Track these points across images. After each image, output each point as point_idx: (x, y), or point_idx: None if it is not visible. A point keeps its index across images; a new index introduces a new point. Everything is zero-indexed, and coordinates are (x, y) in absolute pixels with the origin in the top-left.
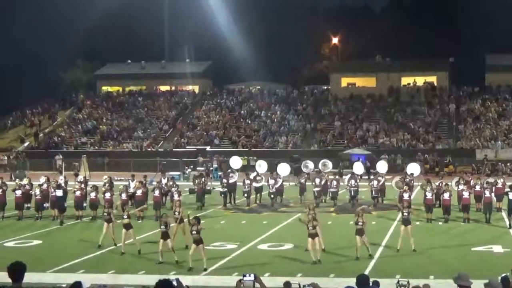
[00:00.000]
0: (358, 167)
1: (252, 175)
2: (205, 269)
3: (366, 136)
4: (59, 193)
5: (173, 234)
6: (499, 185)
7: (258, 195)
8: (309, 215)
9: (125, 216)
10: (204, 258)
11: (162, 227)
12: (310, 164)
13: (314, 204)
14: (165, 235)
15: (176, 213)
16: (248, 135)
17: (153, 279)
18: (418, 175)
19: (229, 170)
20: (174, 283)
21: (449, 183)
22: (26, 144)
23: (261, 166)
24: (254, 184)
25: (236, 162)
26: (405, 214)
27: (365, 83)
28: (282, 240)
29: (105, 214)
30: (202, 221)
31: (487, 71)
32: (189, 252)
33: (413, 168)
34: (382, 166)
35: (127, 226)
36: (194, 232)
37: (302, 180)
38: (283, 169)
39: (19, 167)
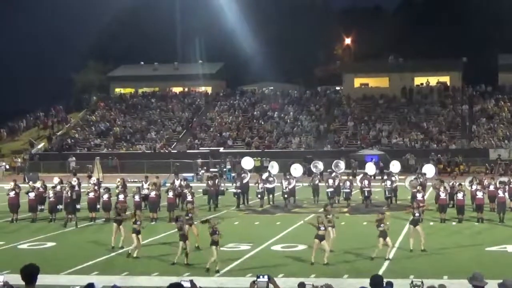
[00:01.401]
0: (370, 168)
1: (264, 176)
2: (217, 271)
3: (379, 137)
4: (73, 194)
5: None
6: None
7: (271, 196)
8: (323, 217)
9: (138, 222)
10: (217, 260)
11: (180, 231)
12: (320, 165)
13: (330, 206)
14: (183, 237)
15: (190, 215)
16: (261, 136)
17: (166, 280)
18: (432, 176)
19: (242, 171)
20: (188, 284)
21: (463, 183)
22: (40, 146)
23: (273, 167)
24: (267, 185)
25: (248, 162)
26: (416, 215)
27: (378, 84)
28: (296, 241)
29: (117, 216)
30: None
31: (500, 71)
32: (209, 253)
33: (428, 169)
34: (394, 166)
35: (137, 231)
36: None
37: (316, 181)
38: (296, 170)
39: (32, 169)
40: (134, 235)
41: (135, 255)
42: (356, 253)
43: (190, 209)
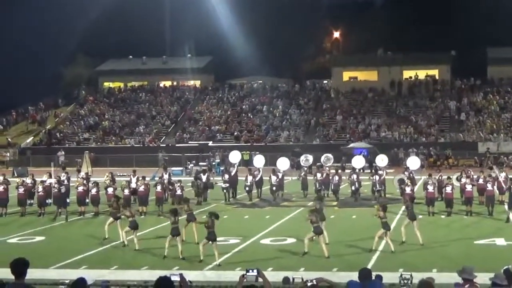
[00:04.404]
0: (358, 161)
1: (252, 170)
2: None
3: (368, 130)
4: (63, 189)
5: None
6: (502, 178)
7: (259, 189)
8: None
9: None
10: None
11: (173, 224)
12: (310, 158)
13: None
14: (175, 231)
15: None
16: (250, 129)
17: (156, 274)
18: (418, 169)
19: (230, 166)
20: (177, 278)
21: (452, 176)
22: (28, 141)
23: (258, 160)
24: (253, 179)
25: (235, 156)
26: (409, 209)
27: (367, 77)
28: (285, 235)
29: (112, 210)
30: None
31: (489, 64)
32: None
33: (413, 162)
34: (383, 160)
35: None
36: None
37: (302, 174)
38: (283, 163)
39: (21, 164)
40: (128, 229)
41: (137, 247)
42: (345, 246)
43: (181, 206)
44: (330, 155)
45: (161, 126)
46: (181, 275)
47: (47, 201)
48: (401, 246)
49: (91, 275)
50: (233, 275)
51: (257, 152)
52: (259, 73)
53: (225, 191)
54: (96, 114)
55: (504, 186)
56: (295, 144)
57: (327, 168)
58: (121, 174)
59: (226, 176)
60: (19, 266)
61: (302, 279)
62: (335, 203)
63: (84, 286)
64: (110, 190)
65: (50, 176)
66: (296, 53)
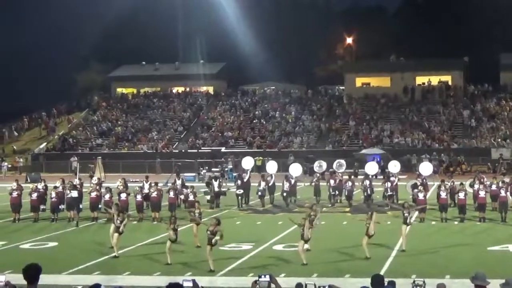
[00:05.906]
0: (371, 168)
1: (265, 176)
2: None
3: (381, 136)
4: (74, 194)
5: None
6: None
7: (272, 195)
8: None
9: (118, 220)
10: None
11: (171, 231)
12: (324, 164)
13: (315, 205)
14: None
15: (197, 214)
16: (262, 135)
17: (168, 280)
18: (430, 175)
19: (243, 172)
20: (190, 284)
21: (464, 183)
22: (41, 146)
23: (271, 166)
24: (266, 184)
25: (248, 162)
26: (405, 214)
27: (380, 83)
28: (297, 241)
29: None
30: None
31: (502, 70)
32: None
33: (425, 168)
34: (395, 167)
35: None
36: (209, 232)
37: (315, 180)
38: (295, 169)
39: (34, 170)
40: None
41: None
42: (358, 252)
43: (190, 211)
44: (342, 161)
45: (173, 132)
46: (193, 281)
47: (60, 207)
48: (414, 252)
49: (103, 280)
50: (246, 281)
51: (270, 158)
52: (271, 79)
53: (239, 197)
54: (109, 120)
55: None
56: (307, 150)
57: (340, 174)
58: (133, 180)
59: (239, 182)
60: (32, 272)
61: (315, 285)
62: (348, 209)
63: None
64: (123, 195)
65: (63, 182)
66: (309, 59)
